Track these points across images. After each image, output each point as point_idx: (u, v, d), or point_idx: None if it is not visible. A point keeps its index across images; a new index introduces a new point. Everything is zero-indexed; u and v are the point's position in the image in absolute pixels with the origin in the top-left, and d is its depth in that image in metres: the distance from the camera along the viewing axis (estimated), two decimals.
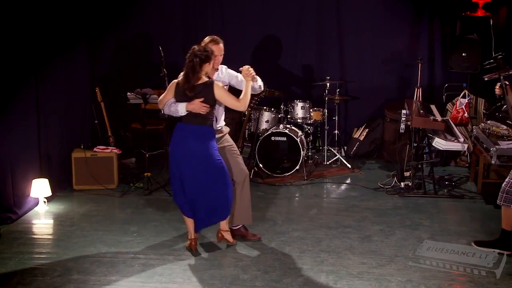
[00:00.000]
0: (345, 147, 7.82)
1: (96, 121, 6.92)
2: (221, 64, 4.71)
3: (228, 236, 4.66)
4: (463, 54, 6.85)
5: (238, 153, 4.81)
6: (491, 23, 6.80)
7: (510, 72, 4.56)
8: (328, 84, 7.30)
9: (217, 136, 4.61)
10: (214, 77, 4.65)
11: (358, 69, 8.07)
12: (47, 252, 4.66)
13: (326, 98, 7.33)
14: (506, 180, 4.45)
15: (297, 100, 7.28)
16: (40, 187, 5.64)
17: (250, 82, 4.49)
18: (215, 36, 4.65)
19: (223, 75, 4.74)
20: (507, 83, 4.53)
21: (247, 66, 4.53)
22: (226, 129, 4.85)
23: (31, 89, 5.67)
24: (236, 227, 4.81)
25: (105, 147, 6.48)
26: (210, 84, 4.30)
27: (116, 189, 6.32)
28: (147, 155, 6.47)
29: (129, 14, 8.06)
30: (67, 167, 6.31)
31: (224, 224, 4.63)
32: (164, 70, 6.11)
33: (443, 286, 4.01)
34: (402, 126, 6.29)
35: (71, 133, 6.49)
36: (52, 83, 6.03)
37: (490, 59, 4.75)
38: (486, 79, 4.76)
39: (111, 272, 4.24)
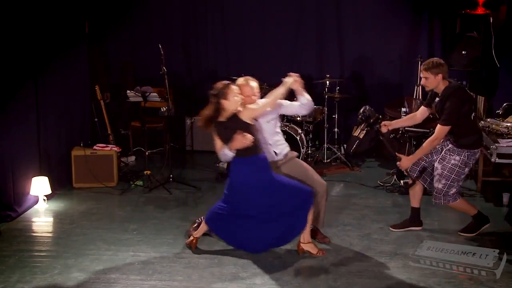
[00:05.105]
0: (345, 145, 7.81)
1: (96, 119, 6.92)
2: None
3: (309, 247, 4.50)
4: (463, 52, 6.83)
5: (308, 166, 4.79)
6: (491, 21, 6.79)
7: (379, 117, 5.06)
8: (328, 82, 7.29)
9: (283, 161, 4.67)
10: None
11: (358, 67, 8.07)
12: (47, 250, 4.67)
13: (326, 96, 7.33)
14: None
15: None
16: (40, 185, 5.64)
17: (285, 87, 4.44)
18: (247, 77, 4.61)
19: None
20: (379, 126, 5.01)
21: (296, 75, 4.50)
22: (293, 154, 4.83)
23: (31, 88, 5.66)
24: (311, 227, 4.76)
25: (104, 145, 6.48)
26: (235, 115, 4.23)
27: (116, 187, 6.32)
28: (146, 153, 6.48)
29: (129, 13, 8.07)
30: (67, 165, 6.31)
31: (306, 236, 4.50)
32: (164, 68, 6.11)
33: (443, 284, 4.01)
34: None
35: (70, 131, 6.48)
36: (52, 82, 6.02)
37: (361, 110, 5.10)
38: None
39: (111, 270, 4.24)
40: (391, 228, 5.09)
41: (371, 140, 7.71)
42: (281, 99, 4.51)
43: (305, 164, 4.82)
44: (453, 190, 4.74)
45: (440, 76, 4.65)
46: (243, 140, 4.16)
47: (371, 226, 5.15)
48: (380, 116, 5.08)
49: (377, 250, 4.61)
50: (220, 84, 4.28)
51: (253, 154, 4.28)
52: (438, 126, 4.67)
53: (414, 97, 6.92)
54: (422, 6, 7.79)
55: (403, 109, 6.33)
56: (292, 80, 4.49)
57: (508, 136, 5.69)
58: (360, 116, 5.08)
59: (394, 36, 7.88)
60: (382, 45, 7.93)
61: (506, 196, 5.65)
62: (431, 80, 4.68)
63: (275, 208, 4.33)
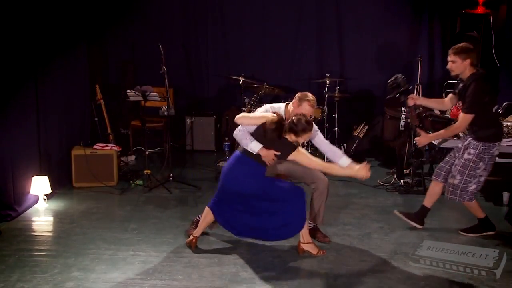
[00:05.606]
0: (345, 145, 7.81)
1: (96, 119, 6.93)
2: None
3: (309, 247, 4.50)
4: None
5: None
6: (491, 20, 6.80)
7: (410, 88, 4.95)
8: (328, 81, 7.30)
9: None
10: None
11: (358, 66, 8.08)
12: (47, 250, 4.66)
13: (326, 96, 7.33)
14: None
15: None
16: (40, 185, 5.64)
17: (350, 174, 4.45)
18: (309, 96, 4.50)
19: None
20: (406, 98, 4.96)
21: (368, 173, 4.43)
22: None
23: (31, 88, 5.66)
24: (310, 225, 4.78)
25: (104, 144, 6.48)
26: (292, 146, 4.22)
27: (115, 187, 6.32)
28: (146, 153, 6.48)
29: (129, 13, 8.08)
30: (67, 164, 6.32)
31: (305, 237, 4.50)
32: (164, 67, 6.11)
33: (443, 283, 4.01)
34: (402, 123, 6.29)
35: (71, 130, 6.49)
36: (52, 81, 6.03)
37: (393, 78, 5.02)
38: (387, 97, 5.25)
39: (111, 269, 4.23)
40: (395, 211, 5.11)
41: (371, 139, 7.71)
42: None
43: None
44: (472, 187, 4.67)
45: (468, 61, 4.55)
46: (269, 161, 4.27)
47: (371, 226, 5.15)
48: (410, 87, 4.97)
49: (377, 249, 4.61)
50: (304, 126, 4.19)
51: (261, 164, 4.31)
52: (461, 114, 4.59)
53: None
54: (422, 6, 7.80)
55: (403, 109, 6.32)
56: (361, 175, 4.41)
57: (508, 135, 5.68)
58: (391, 83, 5.02)
59: (394, 36, 7.88)
60: (382, 44, 7.93)
61: (506, 196, 5.65)
62: (458, 65, 4.58)
63: (262, 207, 4.35)
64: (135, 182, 6.43)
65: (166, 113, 6.93)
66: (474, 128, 4.59)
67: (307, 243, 4.49)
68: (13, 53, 5.31)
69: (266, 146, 4.25)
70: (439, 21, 7.74)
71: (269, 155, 4.26)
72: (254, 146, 4.27)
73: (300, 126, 4.19)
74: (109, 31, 8.04)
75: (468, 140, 4.69)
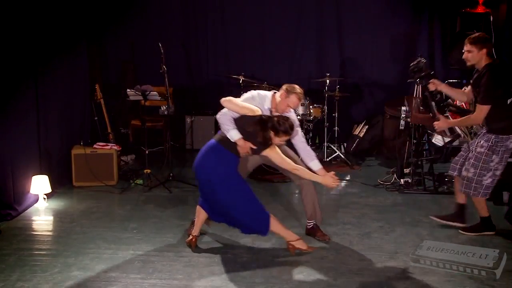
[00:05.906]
0: (345, 144, 7.83)
1: (96, 118, 6.93)
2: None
3: (299, 244, 4.48)
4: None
5: (294, 155, 4.71)
6: (491, 20, 6.80)
7: (432, 73, 4.88)
8: (328, 80, 7.30)
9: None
10: None
11: (358, 65, 8.09)
12: (47, 249, 4.66)
13: (326, 95, 7.33)
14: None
15: None
16: (40, 184, 5.64)
17: (316, 179, 4.46)
18: (297, 89, 4.45)
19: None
20: (428, 82, 4.90)
21: (336, 184, 4.48)
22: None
23: (31, 87, 5.67)
24: (310, 224, 4.78)
25: (104, 143, 6.49)
26: (266, 144, 4.25)
27: (116, 186, 6.33)
28: (146, 152, 6.48)
29: (129, 13, 8.09)
30: (67, 163, 6.32)
31: (289, 236, 4.48)
32: (164, 67, 6.11)
33: (443, 283, 4.01)
34: (402, 122, 6.29)
35: (71, 130, 6.50)
36: (52, 81, 6.03)
37: (415, 61, 4.98)
38: (408, 81, 5.20)
39: (111, 268, 4.23)
40: (431, 217, 5.07)
41: (371, 139, 7.72)
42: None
43: (291, 153, 4.69)
44: (488, 181, 4.61)
45: (484, 51, 4.49)
46: (244, 152, 4.27)
47: (371, 225, 5.15)
48: (432, 73, 4.94)
49: (377, 249, 4.60)
50: (286, 128, 4.21)
51: (235, 154, 4.31)
52: (477, 106, 4.53)
53: (414, 95, 6.91)
54: (422, 6, 7.81)
55: (403, 108, 6.32)
56: (328, 185, 4.47)
57: None
58: (412, 67, 4.98)
59: (394, 35, 7.89)
60: (382, 44, 7.94)
61: (506, 195, 5.64)
62: (474, 55, 4.52)
63: (223, 196, 4.34)
64: (135, 182, 6.43)
65: (166, 112, 6.94)
66: (487, 120, 4.53)
67: (295, 240, 4.49)
68: (13, 52, 5.31)
69: (245, 137, 4.24)
70: (439, 21, 7.74)
71: (245, 147, 4.24)
72: (234, 134, 4.24)
73: (283, 127, 4.20)
74: (109, 30, 8.05)
75: (482, 132, 4.66)
